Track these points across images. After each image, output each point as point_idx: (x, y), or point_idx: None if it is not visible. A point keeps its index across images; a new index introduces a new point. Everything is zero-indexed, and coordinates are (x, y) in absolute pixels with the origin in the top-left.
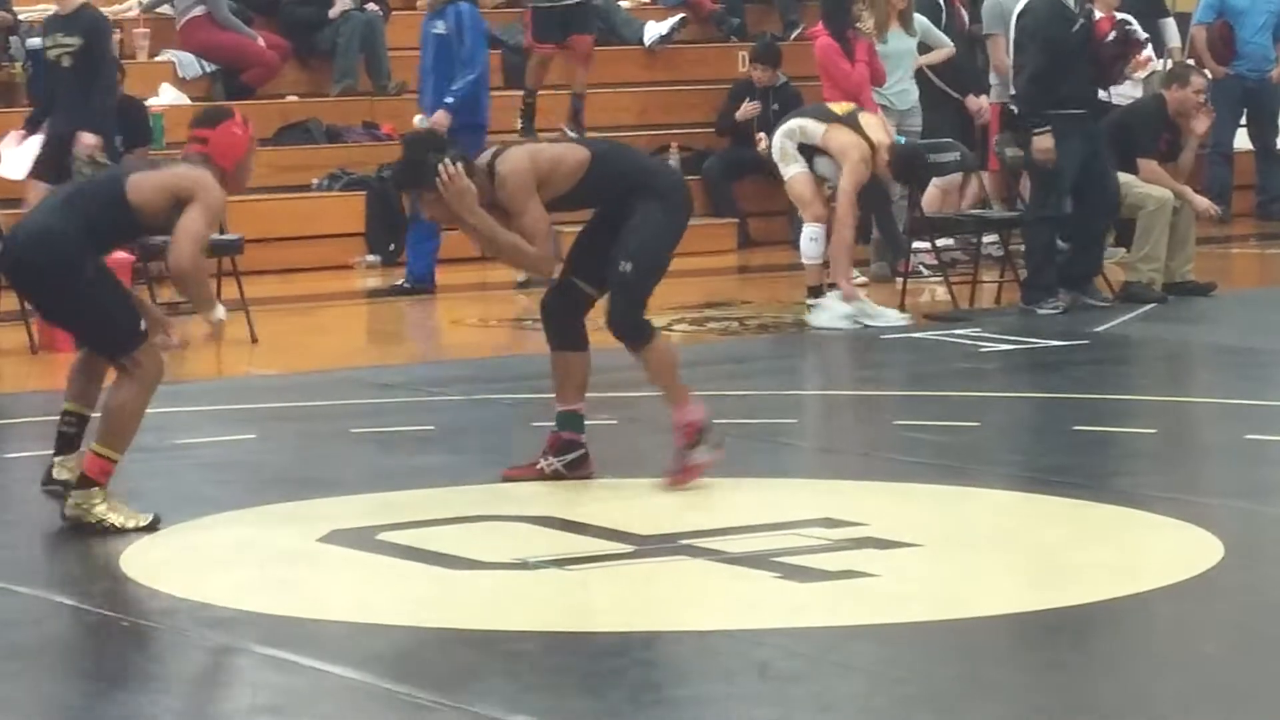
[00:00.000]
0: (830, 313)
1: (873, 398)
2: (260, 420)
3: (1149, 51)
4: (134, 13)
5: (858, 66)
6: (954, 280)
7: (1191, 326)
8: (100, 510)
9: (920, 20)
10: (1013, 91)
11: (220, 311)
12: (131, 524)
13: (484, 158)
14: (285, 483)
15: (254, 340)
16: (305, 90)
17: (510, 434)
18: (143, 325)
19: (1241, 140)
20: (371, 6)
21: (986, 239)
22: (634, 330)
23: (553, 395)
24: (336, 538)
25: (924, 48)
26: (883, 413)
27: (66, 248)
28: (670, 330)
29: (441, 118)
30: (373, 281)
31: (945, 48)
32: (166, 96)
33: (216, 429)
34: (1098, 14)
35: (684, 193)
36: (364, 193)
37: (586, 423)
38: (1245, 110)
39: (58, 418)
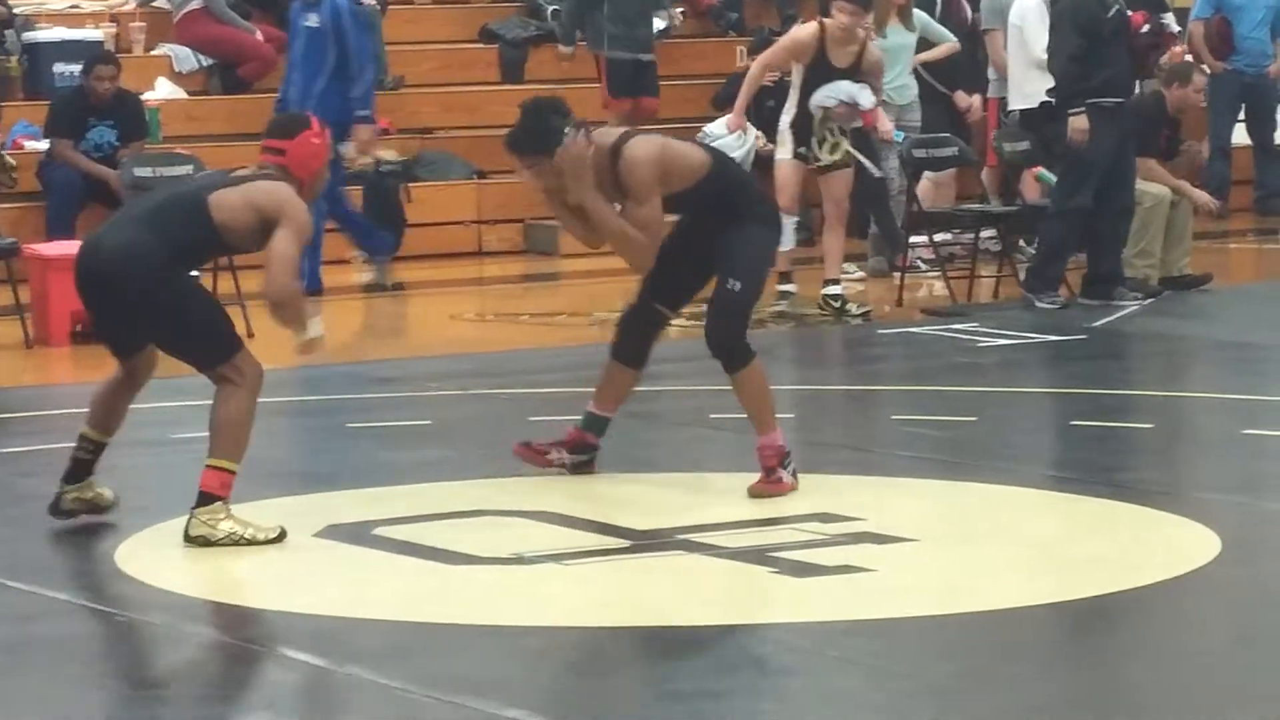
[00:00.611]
0: None
1: (870, 392)
2: (257, 415)
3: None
4: (130, 6)
5: None
6: (952, 275)
7: (1188, 321)
8: (226, 526)
9: (920, 15)
10: (1017, 86)
11: (315, 328)
12: (261, 537)
13: (608, 138)
14: (282, 477)
15: (250, 335)
16: None
17: (507, 429)
18: (236, 331)
19: (1239, 135)
20: (369, 1)
21: (984, 234)
22: (736, 352)
23: (586, 394)
24: (333, 533)
25: (924, 43)
26: (880, 408)
27: (153, 264)
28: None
29: (366, 133)
30: (370, 276)
31: (947, 43)
32: (163, 90)
33: None
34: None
35: (777, 213)
36: (361, 187)
37: (582, 418)
38: (1243, 105)
39: (52, 412)
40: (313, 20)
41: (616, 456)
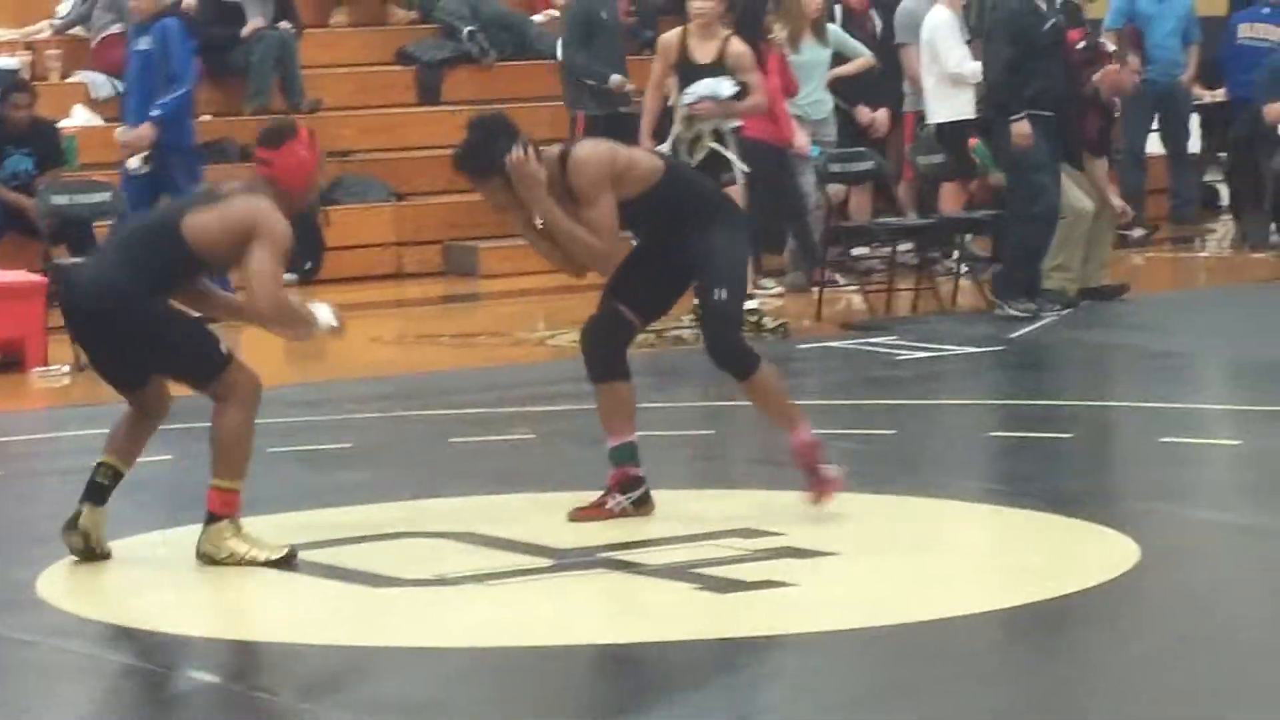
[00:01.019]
0: None
1: None
2: (178, 440)
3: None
4: (46, 34)
5: (770, 78)
6: (869, 289)
7: (1106, 331)
8: (232, 544)
9: (834, 30)
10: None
11: (325, 316)
12: (263, 557)
13: (554, 149)
14: (203, 503)
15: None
16: (219, 109)
17: (429, 450)
18: (224, 347)
19: (1153, 145)
20: (284, 25)
21: (901, 247)
22: (742, 359)
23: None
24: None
25: (839, 58)
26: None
27: (130, 293)
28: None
29: (147, 130)
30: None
31: (862, 57)
32: (79, 118)
33: None
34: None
35: (741, 212)
36: None
37: (505, 437)
38: (1157, 115)
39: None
40: (144, 44)
41: (538, 475)
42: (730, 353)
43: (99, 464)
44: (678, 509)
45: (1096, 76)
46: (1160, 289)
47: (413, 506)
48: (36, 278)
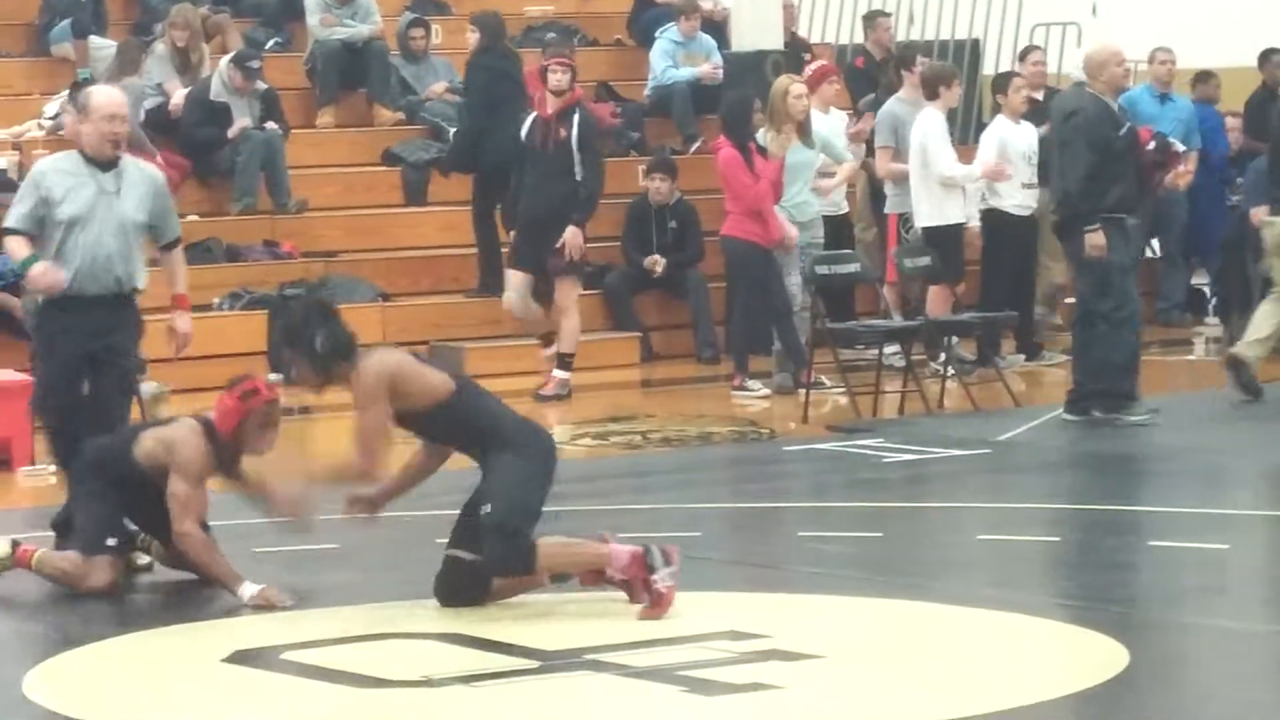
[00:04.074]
0: None
1: (776, 509)
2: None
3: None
4: (33, 134)
5: (761, 179)
6: (856, 391)
7: (1093, 434)
8: None
9: (819, 134)
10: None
11: (248, 590)
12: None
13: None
14: (189, 603)
15: None
16: (206, 210)
17: (414, 551)
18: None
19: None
20: (270, 125)
21: (888, 349)
22: (518, 563)
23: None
24: (241, 658)
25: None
26: (786, 525)
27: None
28: (574, 444)
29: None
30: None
31: (848, 163)
32: None
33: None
34: None
35: (542, 441)
36: (265, 311)
37: None
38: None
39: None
40: None
41: None
42: (505, 561)
43: None
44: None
45: (1169, 178)
46: (1148, 392)
47: (398, 607)
48: (23, 377)
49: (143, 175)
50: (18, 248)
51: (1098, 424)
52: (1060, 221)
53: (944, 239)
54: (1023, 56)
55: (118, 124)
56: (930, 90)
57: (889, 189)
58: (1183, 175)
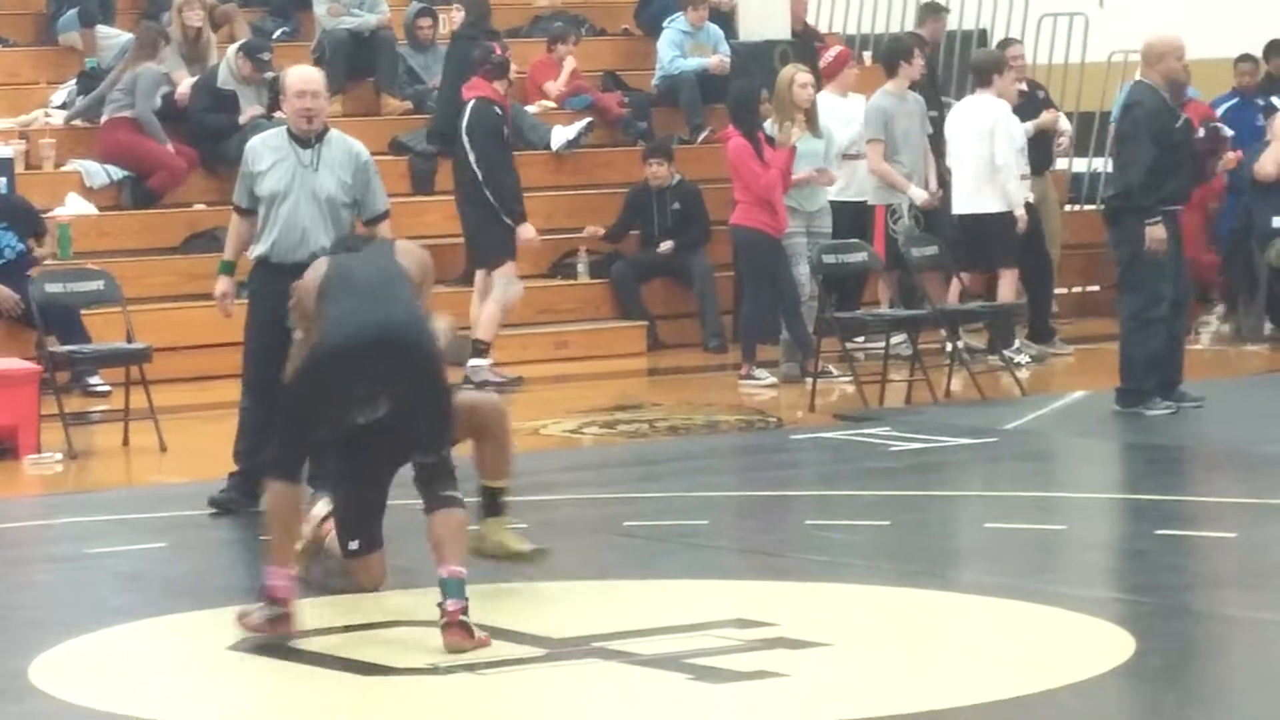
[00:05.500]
0: None
1: (784, 498)
2: (170, 529)
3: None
4: (40, 124)
5: (770, 169)
6: (863, 379)
7: (1100, 423)
8: None
9: (825, 127)
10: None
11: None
12: None
13: None
14: (196, 591)
15: (163, 449)
16: (214, 199)
17: (419, 540)
18: None
19: None
20: (279, 114)
21: (894, 338)
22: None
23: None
24: (248, 645)
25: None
26: (793, 513)
27: None
28: (581, 433)
29: None
30: None
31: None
32: (73, 206)
33: (127, 538)
34: None
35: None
36: None
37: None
38: None
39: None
40: None
41: (530, 564)
42: None
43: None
44: (671, 598)
45: (1221, 165)
46: None
47: (404, 595)
48: (30, 365)
49: (344, 150)
50: (233, 226)
51: (1103, 413)
52: (1111, 210)
53: (993, 227)
54: (1002, 48)
55: (308, 100)
56: (984, 78)
57: (874, 180)
58: (1231, 161)
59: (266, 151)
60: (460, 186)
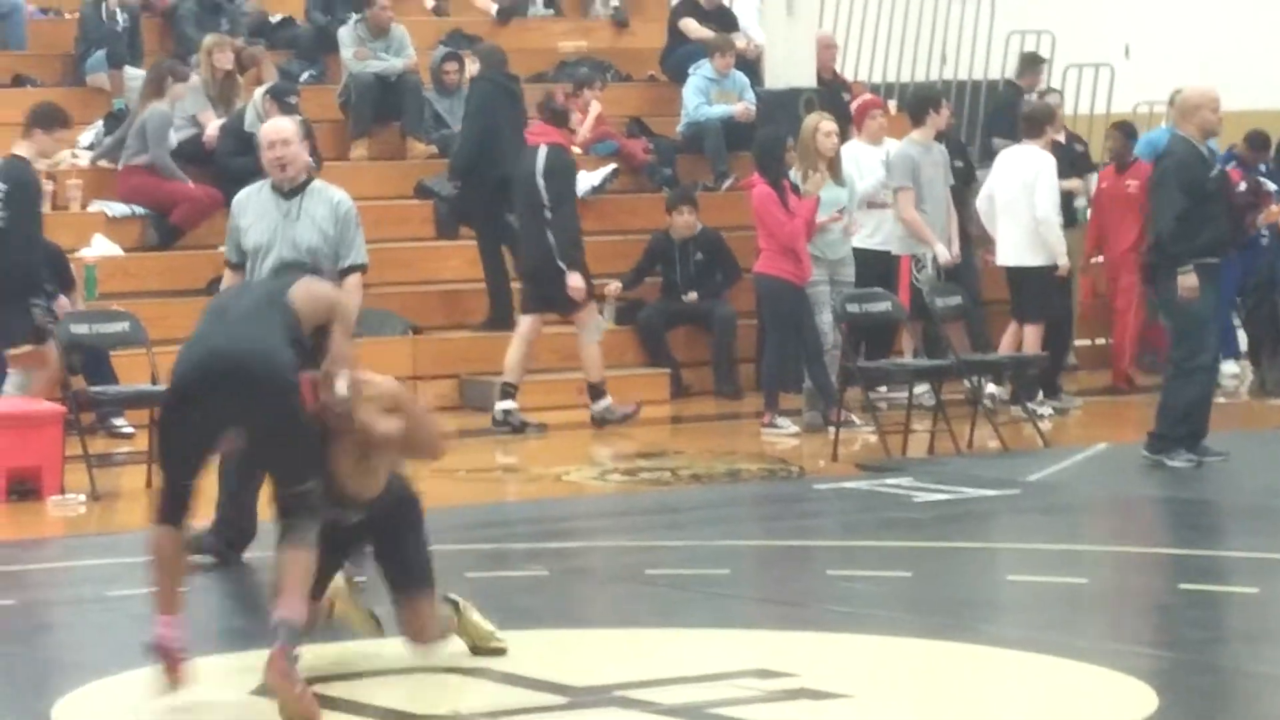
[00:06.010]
0: None
1: (806, 548)
2: (188, 574)
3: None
4: (65, 165)
5: (795, 217)
6: (886, 430)
7: (1124, 476)
8: None
9: (849, 174)
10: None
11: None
12: None
13: None
14: (220, 634)
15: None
16: None
17: (445, 584)
18: None
19: None
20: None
21: (918, 389)
22: None
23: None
24: (269, 690)
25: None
26: (816, 562)
27: None
28: (604, 480)
29: None
30: None
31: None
32: (99, 247)
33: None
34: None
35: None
36: None
37: (520, 573)
38: None
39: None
40: None
41: (552, 612)
42: None
43: None
44: (692, 648)
45: (1261, 219)
46: None
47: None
48: (54, 406)
49: (326, 201)
50: (226, 281)
51: (1127, 466)
52: (1149, 265)
53: (1034, 280)
54: (1041, 97)
55: (279, 149)
56: (1036, 129)
57: (899, 229)
58: (1273, 215)
59: (250, 205)
60: (527, 232)
